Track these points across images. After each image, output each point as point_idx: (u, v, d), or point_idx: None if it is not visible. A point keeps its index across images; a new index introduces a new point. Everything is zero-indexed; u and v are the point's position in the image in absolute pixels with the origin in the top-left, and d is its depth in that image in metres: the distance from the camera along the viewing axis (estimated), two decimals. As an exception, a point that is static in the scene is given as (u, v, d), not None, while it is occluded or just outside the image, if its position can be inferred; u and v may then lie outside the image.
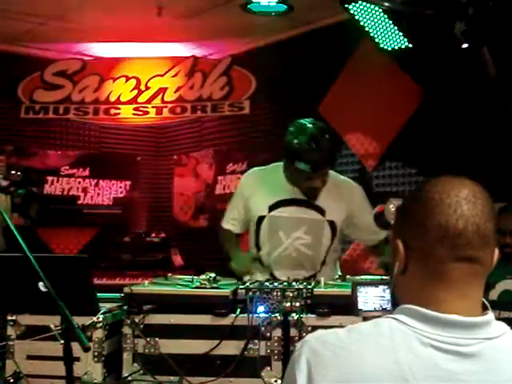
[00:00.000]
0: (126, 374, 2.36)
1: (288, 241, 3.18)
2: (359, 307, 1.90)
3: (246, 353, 2.29)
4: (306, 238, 3.17)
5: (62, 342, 1.79)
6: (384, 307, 1.89)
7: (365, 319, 1.82)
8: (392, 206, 2.27)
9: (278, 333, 2.30)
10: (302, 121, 3.09)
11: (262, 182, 3.24)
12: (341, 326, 1.28)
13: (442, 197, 1.24)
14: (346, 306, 2.27)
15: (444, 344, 1.19)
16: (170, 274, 2.81)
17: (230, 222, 3.33)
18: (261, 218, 3.20)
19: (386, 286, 1.89)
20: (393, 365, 1.17)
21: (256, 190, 3.23)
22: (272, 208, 3.18)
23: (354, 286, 1.92)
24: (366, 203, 3.23)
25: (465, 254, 1.22)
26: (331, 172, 3.20)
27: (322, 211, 3.17)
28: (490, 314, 1.26)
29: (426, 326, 1.21)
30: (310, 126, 3.04)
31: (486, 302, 1.28)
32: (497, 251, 1.28)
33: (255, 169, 3.40)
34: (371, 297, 1.90)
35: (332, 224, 3.19)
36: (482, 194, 1.27)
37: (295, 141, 2.99)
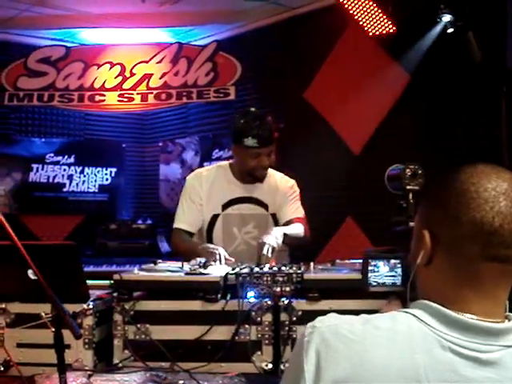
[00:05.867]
0: (117, 361, 2.36)
1: (240, 236, 3.36)
2: (369, 281, 1.81)
3: (236, 338, 2.30)
4: (253, 232, 3.36)
5: (53, 329, 1.78)
6: (394, 282, 1.79)
7: (373, 294, 1.77)
8: (409, 171, 2.28)
9: (268, 317, 2.31)
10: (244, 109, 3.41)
11: (212, 182, 3.38)
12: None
13: (478, 190, 1.16)
14: (336, 290, 2.30)
15: (464, 349, 1.14)
16: (159, 261, 2.80)
17: (188, 223, 3.35)
18: (215, 217, 3.35)
19: (398, 261, 1.80)
20: (408, 364, 1.12)
21: (208, 190, 3.36)
22: (225, 206, 3.35)
23: (365, 258, 1.82)
24: (294, 199, 3.43)
25: (497, 253, 1.14)
26: (272, 170, 3.41)
27: (266, 206, 3.39)
28: None
29: (447, 329, 1.15)
30: (252, 109, 3.31)
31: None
32: None
33: (200, 170, 3.57)
34: (382, 271, 1.79)
35: (274, 216, 3.40)
36: None
37: (241, 121, 3.21)
